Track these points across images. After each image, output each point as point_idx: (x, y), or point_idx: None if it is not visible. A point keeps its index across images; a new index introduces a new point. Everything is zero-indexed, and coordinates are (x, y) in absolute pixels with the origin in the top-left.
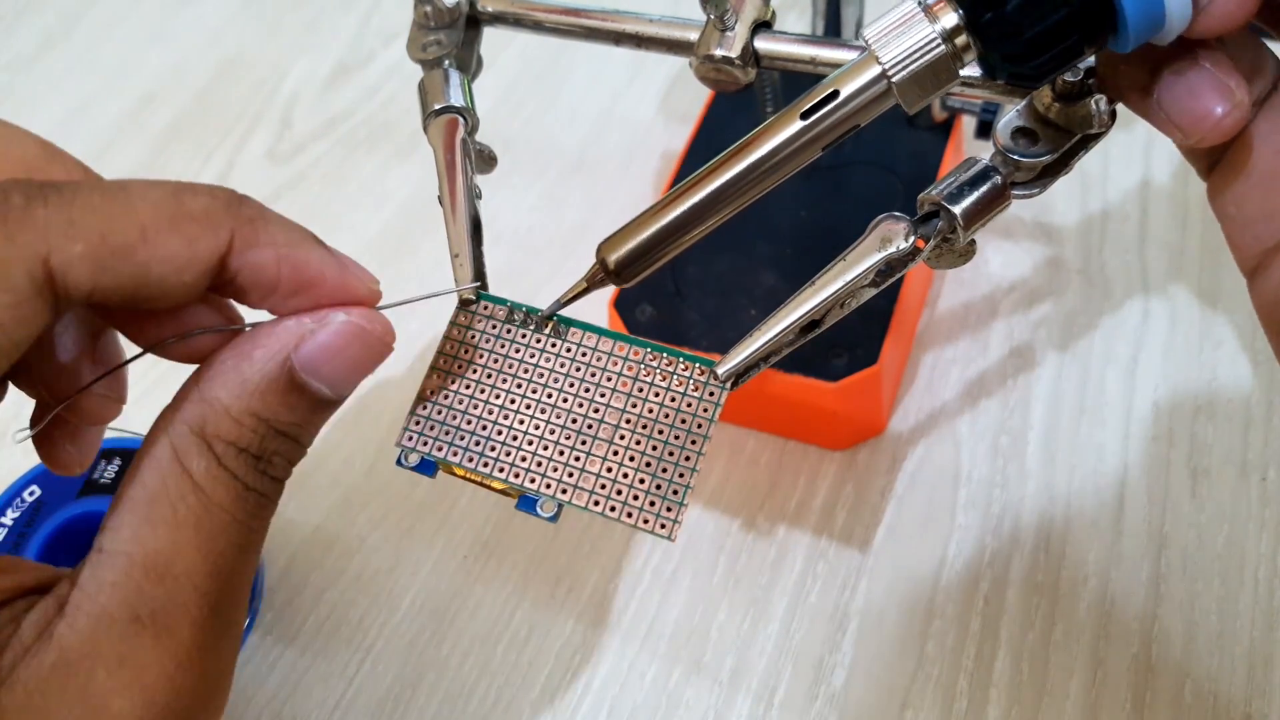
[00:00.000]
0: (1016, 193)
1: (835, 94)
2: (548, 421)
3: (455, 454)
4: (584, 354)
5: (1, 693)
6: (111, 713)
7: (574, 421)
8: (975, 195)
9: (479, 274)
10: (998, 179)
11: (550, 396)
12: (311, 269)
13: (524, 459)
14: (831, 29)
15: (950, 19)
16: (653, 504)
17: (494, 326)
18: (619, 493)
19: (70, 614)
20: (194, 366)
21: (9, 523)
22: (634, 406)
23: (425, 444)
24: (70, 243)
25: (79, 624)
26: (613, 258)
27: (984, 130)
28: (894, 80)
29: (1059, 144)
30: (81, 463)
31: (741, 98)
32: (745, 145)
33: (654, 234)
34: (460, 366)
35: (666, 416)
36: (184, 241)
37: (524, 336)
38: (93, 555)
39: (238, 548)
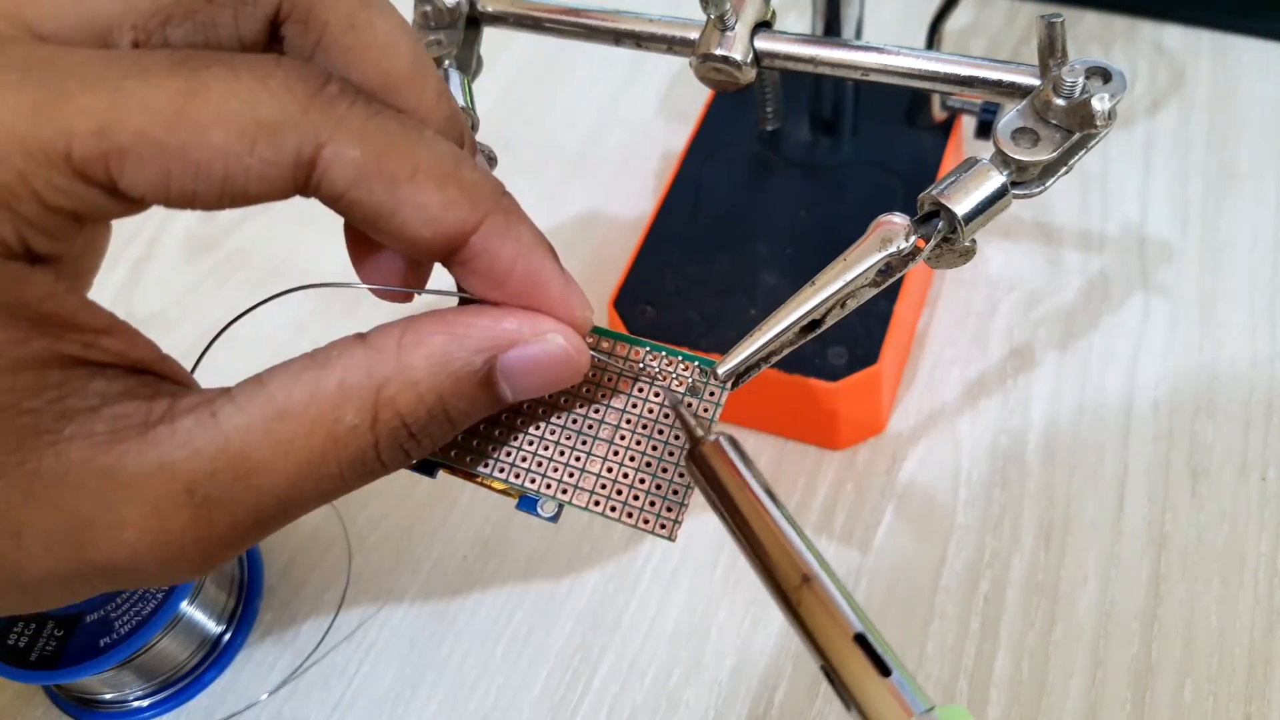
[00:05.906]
0: (1016, 193)
1: None
2: (548, 421)
3: (455, 454)
4: None
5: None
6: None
7: (574, 421)
8: (975, 195)
9: None
10: (998, 179)
11: (550, 396)
12: (542, 276)
13: (524, 459)
14: (831, 29)
15: None
16: (653, 504)
17: None
18: (619, 493)
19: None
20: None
21: None
22: (634, 406)
23: None
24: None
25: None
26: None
27: (984, 130)
28: None
29: (1059, 144)
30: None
31: (741, 98)
32: None
33: None
34: None
35: (667, 416)
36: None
37: None
38: (253, 391)
39: (319, 495)
